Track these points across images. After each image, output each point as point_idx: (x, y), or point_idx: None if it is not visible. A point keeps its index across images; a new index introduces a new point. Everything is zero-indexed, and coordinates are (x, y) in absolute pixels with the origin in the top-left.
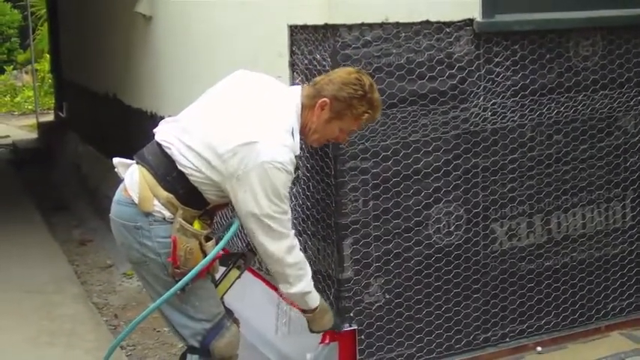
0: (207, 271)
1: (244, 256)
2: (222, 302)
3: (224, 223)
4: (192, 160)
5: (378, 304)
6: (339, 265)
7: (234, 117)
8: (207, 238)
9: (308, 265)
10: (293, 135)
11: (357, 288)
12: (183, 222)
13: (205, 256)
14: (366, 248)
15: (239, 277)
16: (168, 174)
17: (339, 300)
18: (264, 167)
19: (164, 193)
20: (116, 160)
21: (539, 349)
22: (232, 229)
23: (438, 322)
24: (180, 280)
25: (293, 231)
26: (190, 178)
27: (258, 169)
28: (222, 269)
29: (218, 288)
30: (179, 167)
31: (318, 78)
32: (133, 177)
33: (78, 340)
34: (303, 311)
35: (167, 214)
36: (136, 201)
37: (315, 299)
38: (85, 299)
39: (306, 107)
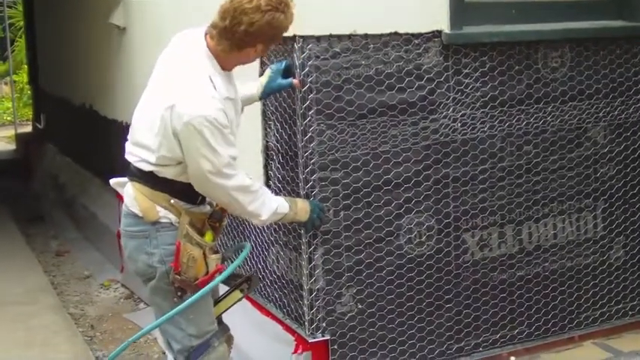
0: (207, 282)
1: (249, 280)
2: (220, 320)
3: (234, 243)
4: (147, 158)
5: (350, 314)
6: (310, 275)
7: (157, 92)
8: (214, 251)
9: (259, 185)
10: (212, 81)
11: (329, 298)
12: (190, 229)
13: (207, 267)
14: (337, 258)
15: (240, 299)
16: (155, 179)
17: (312, 310)
18: (189, 128)
19: (163, 196)
20: (113, 181)
21: (512, 358)
22: (244, 252)
23: (410, 332)
24: (179, 288)
25: (238, 171)
26: (160, 174)
27: (185, 132)
28: (224, 287)
29: (217, 306)
30: (148, 171)
31: (225, 24)
32: (129, 193)
33: (52, 351)
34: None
35: (173, 217)
36: (140, 214)
37: (284, 206)
38: (61, 310)
39: (230, 52)
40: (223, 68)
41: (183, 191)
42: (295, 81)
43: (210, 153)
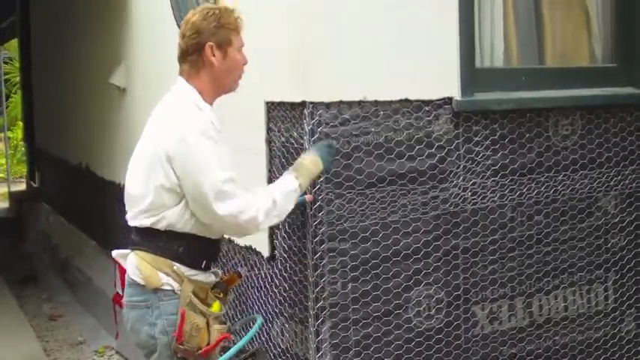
0: (211, 351)
1: (254, 356)
2: None
3: (238, 314)
4: (142, 206)
5: None
6: (317, 349)
7: (146, 142)
8: (220, 321)
9: (270, 191)
10: (197, 105)
11: None
12: (193, 297)
13: (209, 337)
14: (344, 332)
15: None
16: (156, 240)
17: None
18: (183, 145)
19: (165, 262)
20: (115, 253)
21: None
22: (255, 326)
23: None
24: (182, 358)
25: (240, 192)
26: (159, 224)
27: (180, 149)
28: None
29: None
30: (152, 227)
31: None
32: (131, 263)
33: None
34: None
35: (175, 284)
36: (143, 282)
37: (289, 183)
38: None
39: (199, 71)
40: (206, 100)
41: (186, 254)
42: (308, 197)
43: (207, 168)
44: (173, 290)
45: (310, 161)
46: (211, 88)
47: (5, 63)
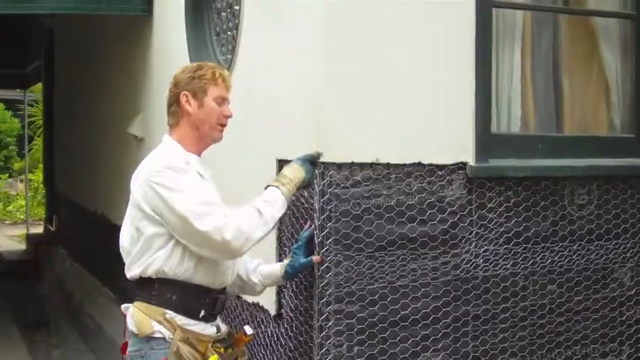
0: None
1: None
2: None
3: None
4: (130, 250)
5: None
6: None
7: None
8: None
9: (252, 204)
10: (173, 152)
11: None
12: (181, 345)
13: None
14: None
15: None
16: (149, 289)
17: None
18: (154, 178)
19: (158, 310)
20: (124, 307)
21: None
22: None
23: None
24: None
25: (221, 210)
26: (151, 268)
27: (150, 186)
28: None
29: None
30: (143, 275)
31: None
32: (129, 313)
33: None
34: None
35: (167, 332)
36: (136, 331)
37: (281, 202)
38: None
39: (179, 121)
40: (189, 149)
41: (180, 303)
42: (316, 258)
43: (178, 193)
44: (164, 338)
45: (291, 170)
46: (192, 136)
47: (30, 106)
